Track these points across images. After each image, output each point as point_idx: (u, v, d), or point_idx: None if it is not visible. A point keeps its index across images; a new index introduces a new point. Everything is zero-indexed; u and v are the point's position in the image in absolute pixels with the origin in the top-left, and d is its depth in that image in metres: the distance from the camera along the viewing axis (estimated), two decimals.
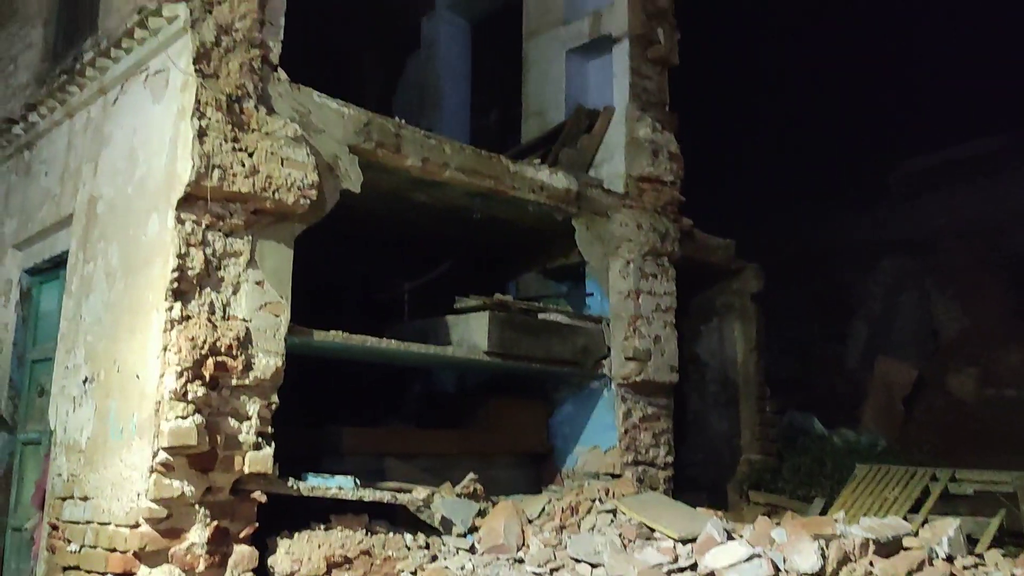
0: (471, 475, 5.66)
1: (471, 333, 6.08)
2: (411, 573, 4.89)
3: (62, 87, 5.67)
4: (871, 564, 4.54)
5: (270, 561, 4.64)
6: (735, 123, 13.09)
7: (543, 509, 5.66)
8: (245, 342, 4.64)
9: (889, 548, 4.70)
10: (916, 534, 4.98)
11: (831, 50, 13.88)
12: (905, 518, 5.79)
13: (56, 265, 5.77)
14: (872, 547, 4.64)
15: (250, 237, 4.77)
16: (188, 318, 4.46)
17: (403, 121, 5.73)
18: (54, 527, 4.89)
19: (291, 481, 4.84)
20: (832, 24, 13.85)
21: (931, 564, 4.63)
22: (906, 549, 4.76)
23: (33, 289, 6.14)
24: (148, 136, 4.87)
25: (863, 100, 14.27)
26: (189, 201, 4.53)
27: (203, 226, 4.58)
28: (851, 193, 12.82)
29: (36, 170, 6.10)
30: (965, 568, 4.66)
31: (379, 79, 10.31)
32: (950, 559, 4.75)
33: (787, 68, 13.91)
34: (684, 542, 5.02)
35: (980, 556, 5.02)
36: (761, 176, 12.80)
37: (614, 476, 6.52)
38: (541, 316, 6.53)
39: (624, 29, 7.30)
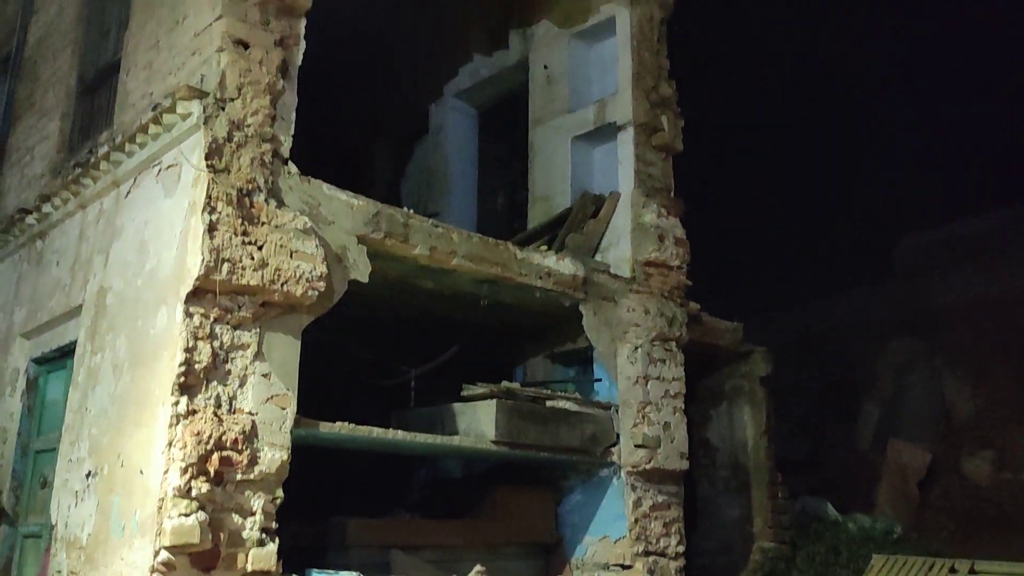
0: (478, 567, 5.54)
1: (478, 422, 6.02)
2: None
3: (76, 179, 5.77)
4: None
5: None
6: (738, 204, 13.21)
7: None
8: (251, 436, 4.59)
9: None
10: None
11: (831, 126, 14.08)
12: None
13: (64, 355, 5.77)
14: None
15: (258, 329, 4.77)
16: (194, 412, 4.43)
17: (411, 211, 5.80)
18: None
19: None
20: (833, 99, 14.08)
21: None
22: None
23: (40, 378, 6.14)
24: (159, 229, 4.93)
25: (865, 176, 14.40)
26: (198, 295, 4.55)
27: (211, 319, 4.59)
28: (857, 271, 12.84)
29: (47, 260, 6.17)
30: None
31: (388, 163, 10.49)
32: None
33: (788, 146, 14.10)
34: None
35: None
36: (767, 256, 12.86)
37: (624, 567, 6.38)
38: (549, 403, 6.48)
39: (628, 117, 7.42)
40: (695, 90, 8.38)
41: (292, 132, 5.15)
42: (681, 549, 6.74)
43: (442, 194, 9.39)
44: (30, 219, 6.38)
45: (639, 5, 7.57)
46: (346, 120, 10.17)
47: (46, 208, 6.17)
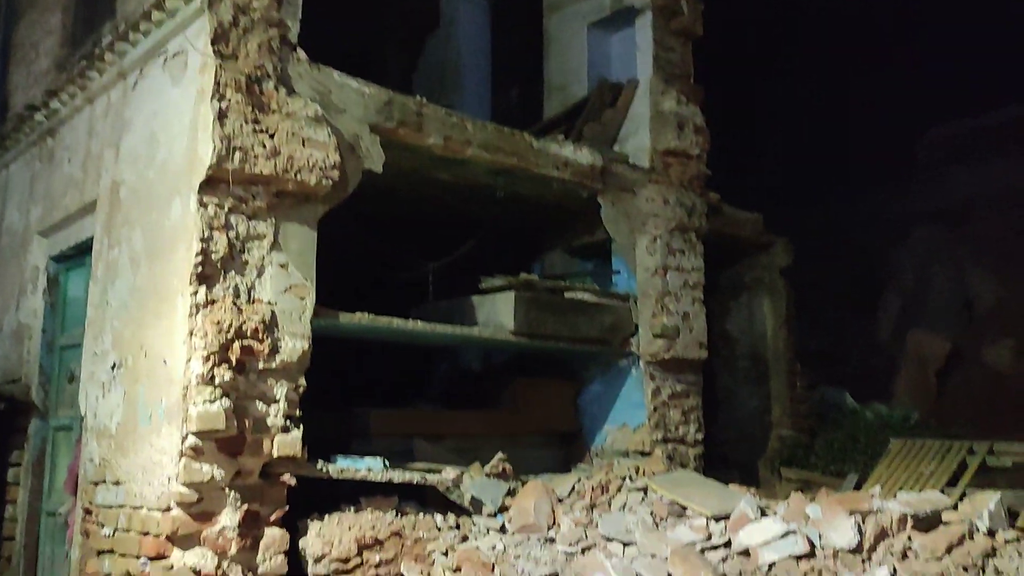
0: (500, 455, 5.61)
1: (497, 313, 6.02)
2: (442, 553, 4.87)
3: (82, 72, 5.66)
4: (910, 539, 4.44)
5: (301, 543, 4.64)
6: (759, 96, 12.85)
7: (573, 488, 5.61)
8: (271, 325, 4.61)
9: (927, 523, 4.59)
10: (955, 508, 4.86)
11: (854, 18, 13.56)
12: (942, 491, 5.67)
13: (82, 251, 5.78)
14: (910, 522, 4.54)
15: (273, 220, 4.73)
16: (213, 302, 4.44)
17: (424, 99, 5.66)
18: (88, 511, 4.92)
19: (320, 464, 4.83)
20: None
21: (972, 539, 4.51)
22: (945, 523, 4.64)
23: (60, 275, 6.16)
24: (168, 119, 4.84)
25: (887, 69, 13.92)
26: (211, 184, 4.50)
27: (225, 209, 4.55)
28: (878, 163, 12.55)
29: (59, 157, 6.11)
30: (1007, 542, 4.51)
31: (400, 59, 10.23)
32: (991, 533, 4.61)
33: (809, 35, 13.62)
34: (717, 519, 4.95)
35: (1022, 530, 4.88)
36: (787, 148, 12.57)
37: (644, 454, 6.46)
38: (567, 295, 6.46)
39: (646, 1, 7.16)
40: None
41: (299, 16, 5.00)
42: (700, 436, 6.82)
43: (455, 89, 9.16)
44: (39, 116, 6.29)
45: None
46: (355, 15, 9.87)
47: (54, 104, 6.07)
